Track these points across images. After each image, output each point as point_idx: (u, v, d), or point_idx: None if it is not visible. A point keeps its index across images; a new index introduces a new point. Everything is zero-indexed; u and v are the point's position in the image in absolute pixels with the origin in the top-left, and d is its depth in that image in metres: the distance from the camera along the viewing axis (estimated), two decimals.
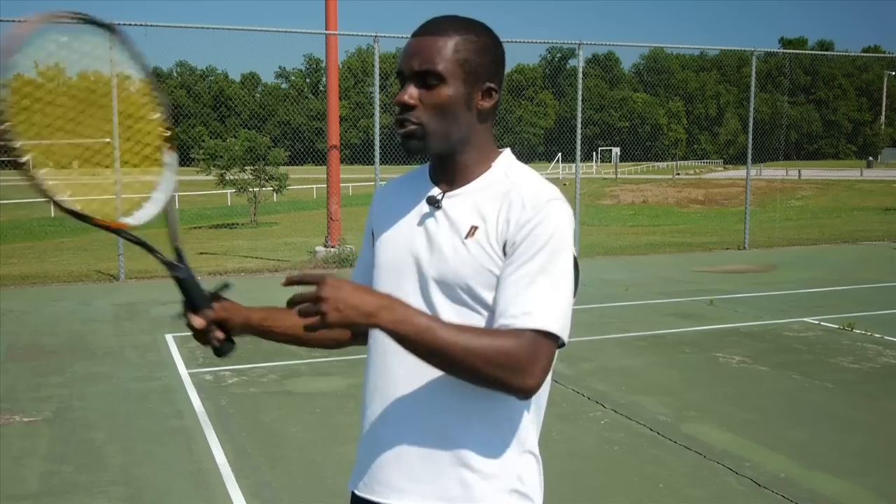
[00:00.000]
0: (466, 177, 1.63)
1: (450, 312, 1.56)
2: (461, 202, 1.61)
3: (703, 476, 4.33)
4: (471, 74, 1.58)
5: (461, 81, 1.57)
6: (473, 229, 1.58)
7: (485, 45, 1.60)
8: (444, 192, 1.63)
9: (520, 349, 1.45)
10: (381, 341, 1.63)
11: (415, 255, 1.61)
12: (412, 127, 1.57)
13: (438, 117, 1.57)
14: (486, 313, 1.55)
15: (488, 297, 1.55)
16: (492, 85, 1.61)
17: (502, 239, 1.54)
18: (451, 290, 1.56)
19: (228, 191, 25.00)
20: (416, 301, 1.58)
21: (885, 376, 6.30)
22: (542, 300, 1.48)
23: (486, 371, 1.45)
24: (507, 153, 1.67)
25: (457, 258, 1.56)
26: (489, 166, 1.64)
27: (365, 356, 1.72)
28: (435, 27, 1.59)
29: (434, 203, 1.62)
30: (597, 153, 68.91)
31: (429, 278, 1.59)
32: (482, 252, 1.55)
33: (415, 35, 1.60)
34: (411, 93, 1.57)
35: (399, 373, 1.60)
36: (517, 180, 1.60)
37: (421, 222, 1.63)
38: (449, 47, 1.56)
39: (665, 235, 18.27)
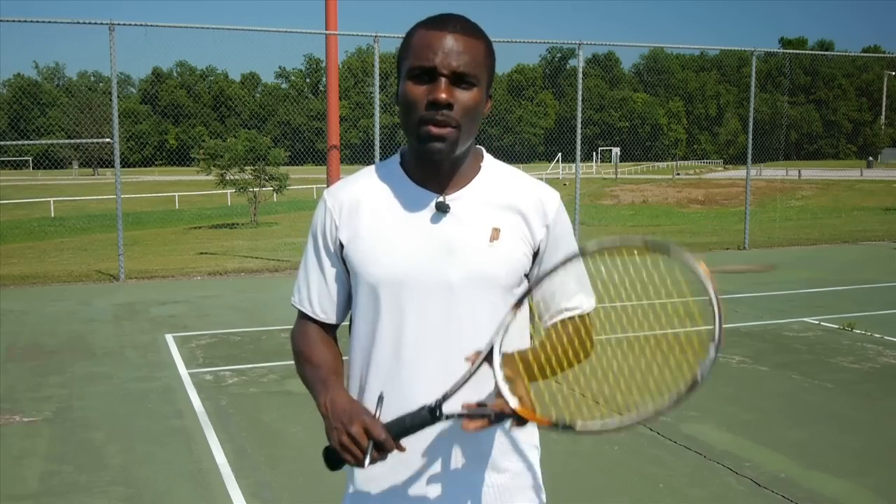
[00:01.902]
0: (463, 179, 1.63)
1: (476, 306, 1.58)
2: (470, 205, 1.61)
3: (703, 476, 4.33)
4: (490, 81, 1.59)
5: (485, 87, 1.57)
6: (496, 231, 1.60)
7: (495, 57, 1.61)
8: (443, 195, 1.61)
9: (589, 330, 1.70)
10: (390, 355, 1.61)
11: (430, 262, 1.58)
12: (451, 129, 1.51)
13: (469, 121, 1.54)
14: (508, 297, 1.61)
15: (515, 287, 1.63)
16: (491, 92, 1.64)
17: (535, 241, 1.64)
18: (480, 289, 1.58)
19: (228, 191, 25.00)
20: (436, 307, 1.58)
21: (885, 376, 6.30)
22: (586, 286, 1.71)
23: (580, 361, 1.65)
24: (484, 151, 1.70)
25: (486, 260, 1.58)
26: (479, 167, 1.66)
27: None
28: (465, 27, 1.54)
29: (444, 209, 1.59)
30: (597, 153, 68.93)
31: (453, 283, 1.57)
32: (512, 253, 1.60)
33: (446, 30, 1.52)
34: (450, 91, 1.51)
35: (421, 388, 1.57)
36: (516, 180, 1.67)
37: (429, 228, 1.59)
38: (482, 51, 1.55)
39: (665, 235, 18.26)
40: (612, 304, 1.67)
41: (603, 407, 1.53)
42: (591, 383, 1.51)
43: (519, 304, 1.55)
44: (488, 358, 1.49)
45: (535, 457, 1.72)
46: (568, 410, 1.57)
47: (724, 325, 1.38)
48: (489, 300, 1.59)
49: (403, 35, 1.59)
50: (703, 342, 1.37)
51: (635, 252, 1.50)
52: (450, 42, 1.50)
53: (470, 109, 1.53)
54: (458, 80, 1.51)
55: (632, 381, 1.55)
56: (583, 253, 1.53)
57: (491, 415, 1.44)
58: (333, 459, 1.49)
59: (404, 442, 1.51)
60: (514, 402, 1.44)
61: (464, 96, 1.52)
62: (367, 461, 1.44)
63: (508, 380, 1.47)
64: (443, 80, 1.50)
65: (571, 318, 1.68)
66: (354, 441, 1.45)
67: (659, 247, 1.44)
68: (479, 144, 1.70)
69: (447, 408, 1.48)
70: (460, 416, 1.47)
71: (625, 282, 1.61)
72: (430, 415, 1.47)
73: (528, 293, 1.56)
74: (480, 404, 1.47)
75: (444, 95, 1.49)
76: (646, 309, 1.58)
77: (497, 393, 1.46)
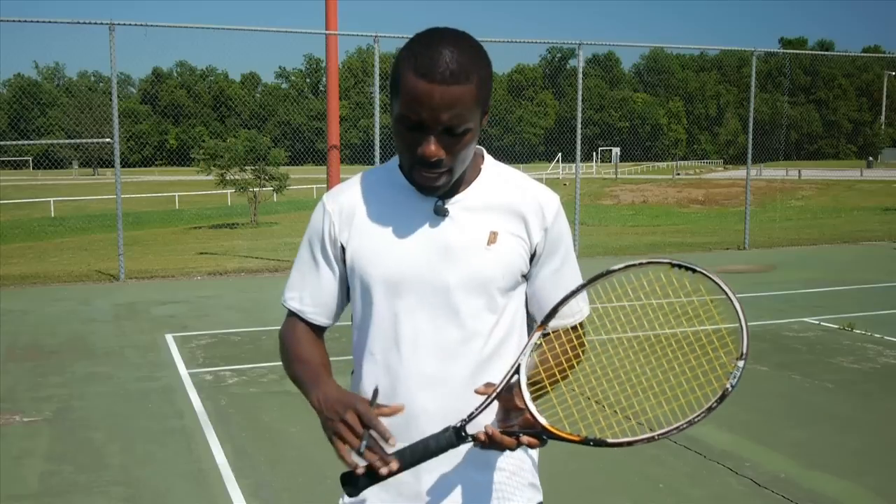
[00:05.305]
0: (461, 184, 1.63)
1: (472, 308, 1.60)
2: (468, 208, 1.62)
3: (703, 476, 4.33)
4: (485, 105, 1.55)
5: (480, 116, 1.54)
6: (494, 235, 1.61)
7: (490, 68, 1.55)
8: (442, 200, 1.62)
9: (582, 336, 1.71)
10: (388, 355, 1.62)
11: (429, 265, 1.59)
12: (444, 179, 1.54)
13: (463, 157, 1.54)
14: (504, 299, 1.63)
15: (512, 289, 1.64)
16: (487, 107, 1.58)
17: (532, 244, 1.64)
18: (477, 291, 1.59)
19: (228, 191, 25.00)
20: (434, 308, 1.59)
21: (885, 376, 6.30)
22: (582, 294, 1.67)
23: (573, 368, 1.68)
24: (485, 152, 1.70)
25: (483, 263, 1.59)
26: (479, 169, 1.67)
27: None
28: (454, 72, 1.44)
29: (442, 213, 1.60)
30: (597, 153, 68.95)
31: (451, 285, 1.59)
32: (509, 256, 1.61)
33: (434, 81, 1.44)
34: (439, 148, 1.49)
35: (418, 388, 1.60)
36: (515, 182, 1.67)
37: (429, 231, 1.60)
38: (473, 93, 1.48)
39: (665, 235, 18.26)
40: (643, 325, 1.68)
41: (632, 418, 1.54)
42: (620, 398, 1.56)
43: (544, 324, 1.57)
44: (517, 374, 1.51)
45: (532, 455, 1.72)
46: (597, 425, 1.57)
47: (749, 340, 1.42)
48: (485, 302, 1.61)
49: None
50: (730, 356, 1.43)
51: (661, 272, 1.57)
52: (437, 95, 1.44)
53: (463, 152, 1.53)
54: (449, 130, 1.49)
55: (660, 394, 1.57)
56: (609, 272, 1.56)
57: (518, 433, 1.45)
58: (352, 482, 1.48)
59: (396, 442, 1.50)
60: (543, 420, 1.47)
61: (455, 144, 1.50)
62: (363, 445, 1.41)
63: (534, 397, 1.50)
64: (430, 133, 1.48)
65: (571, 326, 1.69)
66: (350, 428, 1.43)
67: (684, 265, 1.51)
68: (480, 144, 1.69)
69: (471, 429, 1.48)
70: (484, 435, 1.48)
71: (651, 301, 1.62)
72: (456, 436, 1.47)
73: (549, 317, 1.59)
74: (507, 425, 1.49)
75: (433, 151, 1.49)
76: (671, 321, 1.60)
77: (524, 411, 1.47)
